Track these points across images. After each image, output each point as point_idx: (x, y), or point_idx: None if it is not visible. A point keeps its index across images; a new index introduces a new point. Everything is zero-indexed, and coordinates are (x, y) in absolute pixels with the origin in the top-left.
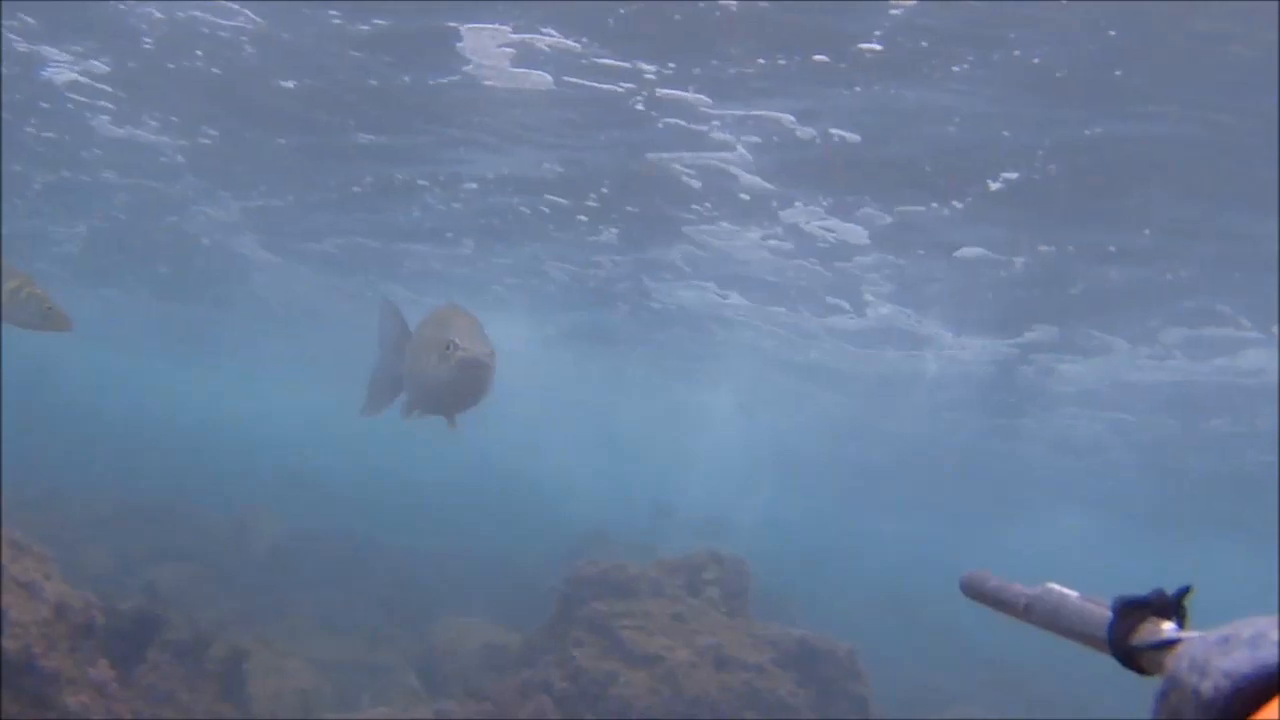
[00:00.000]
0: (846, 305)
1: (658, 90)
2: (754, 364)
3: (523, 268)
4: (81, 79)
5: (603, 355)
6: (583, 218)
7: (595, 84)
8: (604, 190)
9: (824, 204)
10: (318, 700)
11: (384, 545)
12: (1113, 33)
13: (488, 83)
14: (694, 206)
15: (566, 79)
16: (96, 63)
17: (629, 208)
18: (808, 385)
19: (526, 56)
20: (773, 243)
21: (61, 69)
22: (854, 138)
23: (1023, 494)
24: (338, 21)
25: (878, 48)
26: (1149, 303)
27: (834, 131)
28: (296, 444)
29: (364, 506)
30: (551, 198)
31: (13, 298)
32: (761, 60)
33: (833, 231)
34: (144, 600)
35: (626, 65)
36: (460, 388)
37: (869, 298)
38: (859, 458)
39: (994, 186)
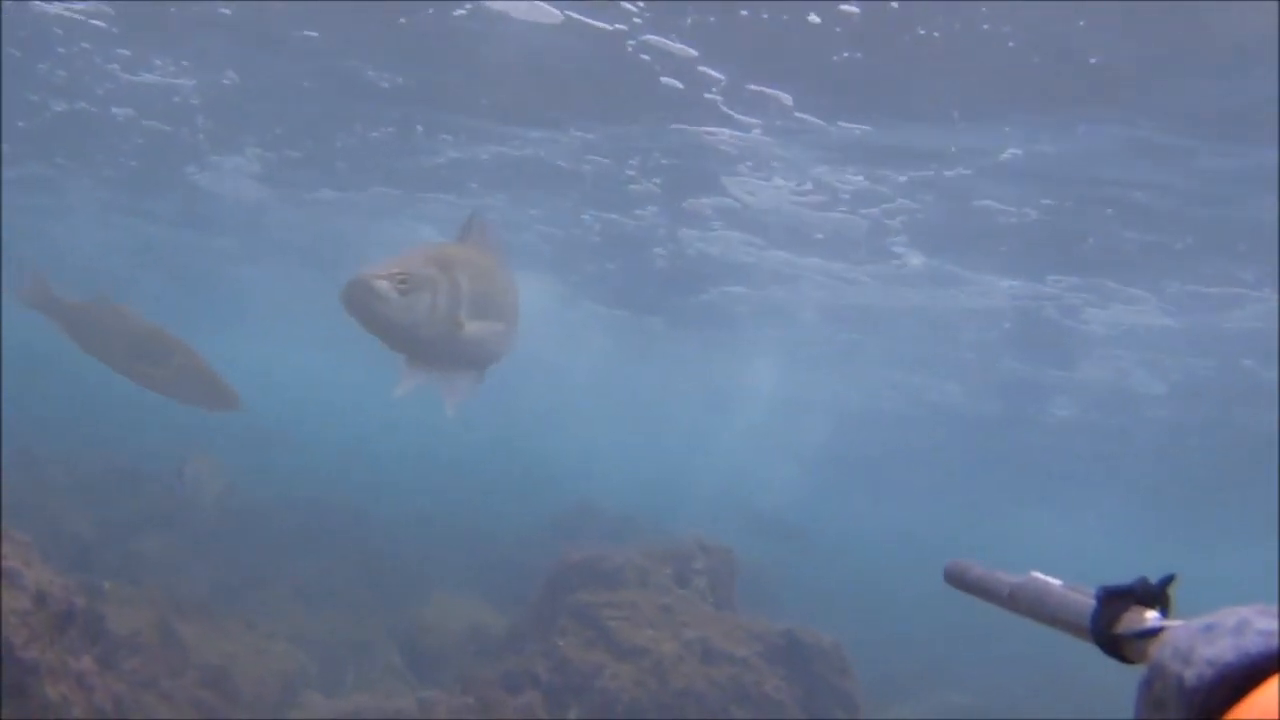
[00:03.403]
0: (878, 252)
1: (646, 36)
2: (791, 319)
3: (555, 218)
4: (84, 19)
5: (637, 323)
6: (629, 172)
7: (589, 20)
8: (633, 158)
9: (848, 169)
10: (301, 679)
11: (375, 516)
12: (1082, 23)
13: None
14: (726, 166)
15: (569, 13)
16: (104, 6)
17: (664, 161)
18: (845, 335)
19: None
20: (803, 196)
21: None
22: (863, 129)
23: (1051, 470)
24: None
25: (855, 10)
26: (1164, 263)
27: (842, 124)
28: (296, 410)
29: (359, 476)
30: (592, 157)
31: (179, 373)
32: (744, 12)
33: (850, 184)
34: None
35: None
36: (352, 317)
37: (897, 244)
38: (890, 439)
39: (1003, 156)
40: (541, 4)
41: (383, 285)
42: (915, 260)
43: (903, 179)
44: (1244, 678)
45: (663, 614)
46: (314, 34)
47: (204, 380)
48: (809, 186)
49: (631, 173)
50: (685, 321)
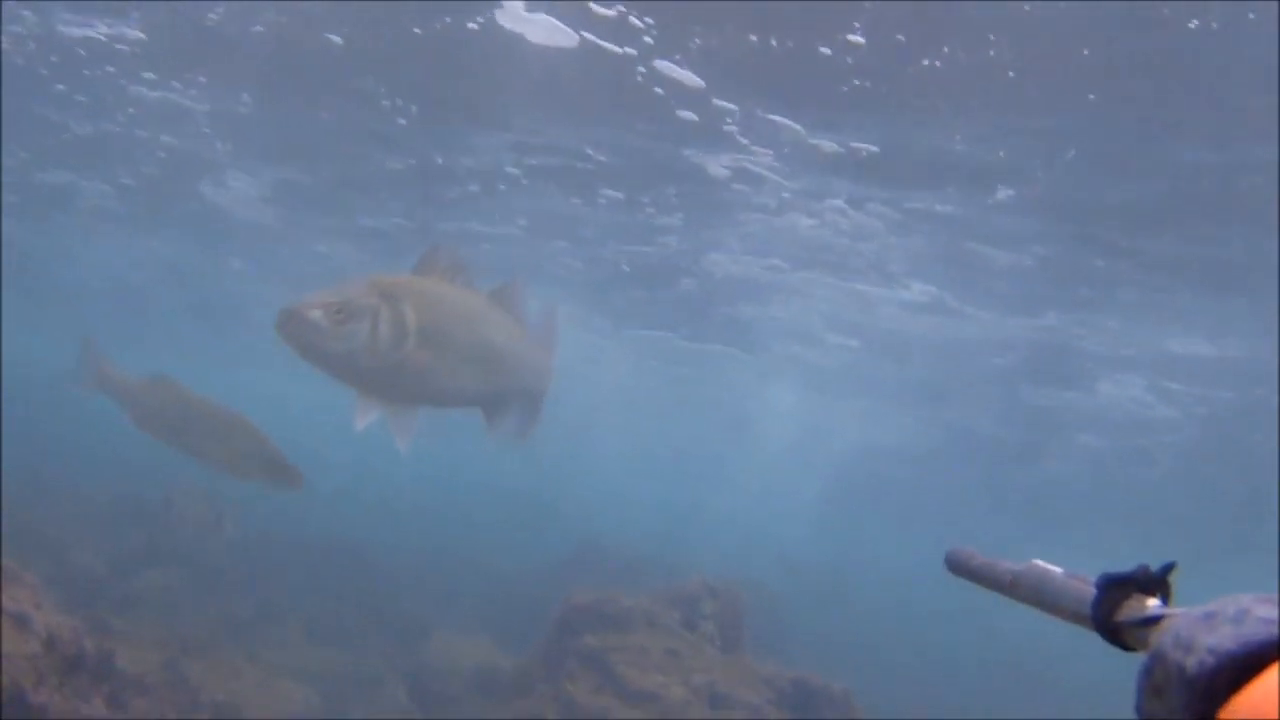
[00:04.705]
0: (889, 280)
1: (654, 61)
2: (806, 344)
3: (580, 251)
4: (115, 45)
5: (657, 344)
6: (646, 205)
7: (597, 39)
8: (648, 192)
9: (858, 198)
10: (307, 717)
11: (383, 550)
12: (1086, 52)
13: (513, 29)
14: (732, 194)
15: (583, 33)
16: (132, 30)
17: (676, 193)
18: (860, 360)
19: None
20: (816, 224)
21: (88, 30)
22: (870, 150)
23: (1066, 500)
24: None
25: (861, 40)
26: (1163, 303)
27: (855, 145)
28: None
29: (367, 508)
30: (608, 192)
31: (240, 451)
32: (753, 37)
33: (859, 213)
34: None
35: (622, 18)
36: (286, 347)
37: (905, 273)
38: (906, 470)
39: (1001, 195)
40: (555, 21)
41: (316, 315)
42: (922, 290)
43: (908, 208)
44: (1245, 666)
45: (671, 658)
46: (338, 39)
47: (266, 458)
48: (821, 214)
49: (650, 209)
50: (706, 335)
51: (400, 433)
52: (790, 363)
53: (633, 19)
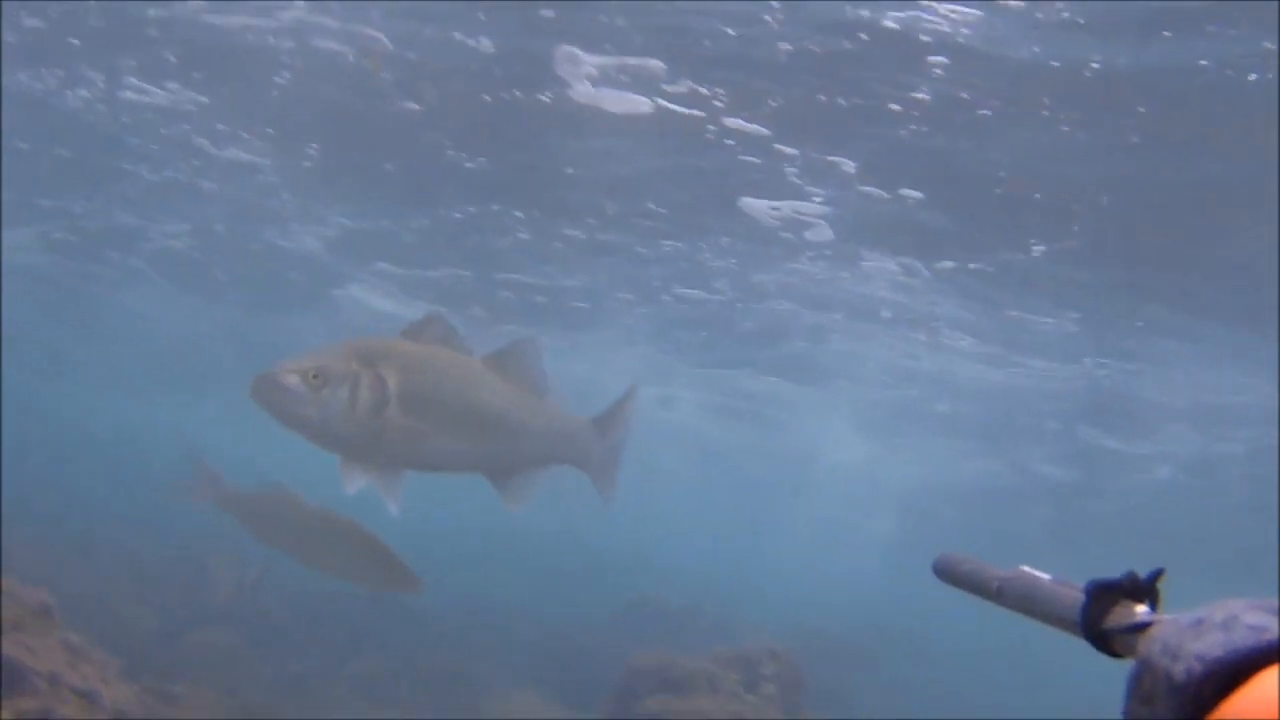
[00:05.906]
0: (932, 332)
1: (724, 119)
2: (860, 388)
3: (641, 299)
4: (183, 107)
5: (718, 383)
6: (703, 250)
7: (670, 105)
8: (708, 234)
9: (892, 258)
10: None
11: (432, 606)
12: (1142, 109)
13: (586, 102)
14: (783, 241)
15: (658, 100)
16: (198, 95)
17: (728, 241)
18: (918, 402)
19: (615, 78)
20: (862, 276)
21: (155, 97)
22: (916, 196)
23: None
24: (460, 38)
25: (927, 97)
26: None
27: (904, 192)
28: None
29: (422, 563)
30: (667, 243)
31: (357, 557)
32: (822, 97)
33: (888, 271)
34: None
35: (693, 91)
36: (263, 412)
37: (945, 327)
38: (961, 518)
39: (1036, 250)
40: (628, 94)
41: (292, 380)
42: (971, 342)
43: (947, 266)
44: (1233, 673)
45: None
46: (415, 106)
47: (383, 563)
48: (869, 265)
49: (706, 254)
50: (768, 370)
51: (389, 496)
52: (849, 405)
53: (702, 90)
